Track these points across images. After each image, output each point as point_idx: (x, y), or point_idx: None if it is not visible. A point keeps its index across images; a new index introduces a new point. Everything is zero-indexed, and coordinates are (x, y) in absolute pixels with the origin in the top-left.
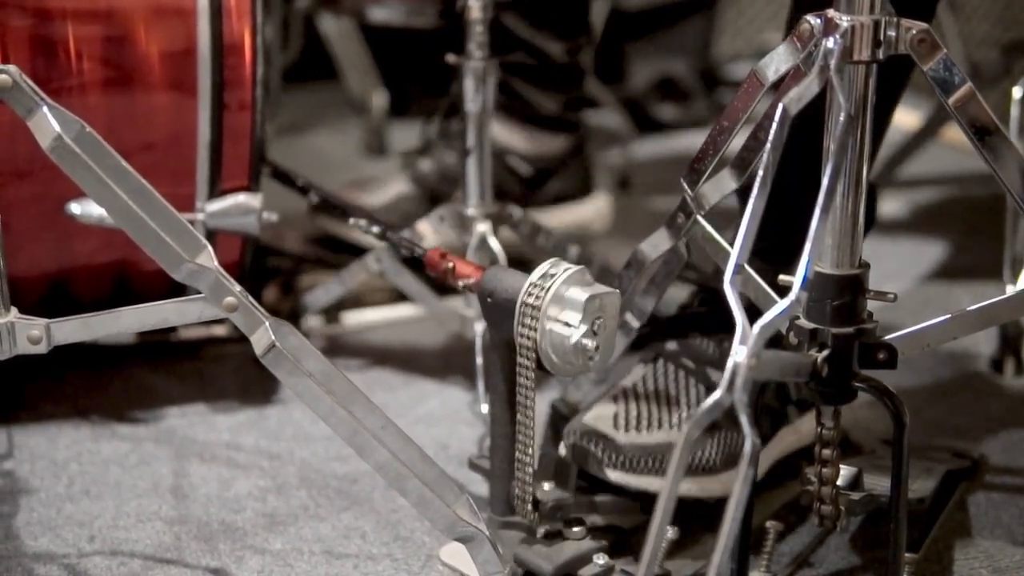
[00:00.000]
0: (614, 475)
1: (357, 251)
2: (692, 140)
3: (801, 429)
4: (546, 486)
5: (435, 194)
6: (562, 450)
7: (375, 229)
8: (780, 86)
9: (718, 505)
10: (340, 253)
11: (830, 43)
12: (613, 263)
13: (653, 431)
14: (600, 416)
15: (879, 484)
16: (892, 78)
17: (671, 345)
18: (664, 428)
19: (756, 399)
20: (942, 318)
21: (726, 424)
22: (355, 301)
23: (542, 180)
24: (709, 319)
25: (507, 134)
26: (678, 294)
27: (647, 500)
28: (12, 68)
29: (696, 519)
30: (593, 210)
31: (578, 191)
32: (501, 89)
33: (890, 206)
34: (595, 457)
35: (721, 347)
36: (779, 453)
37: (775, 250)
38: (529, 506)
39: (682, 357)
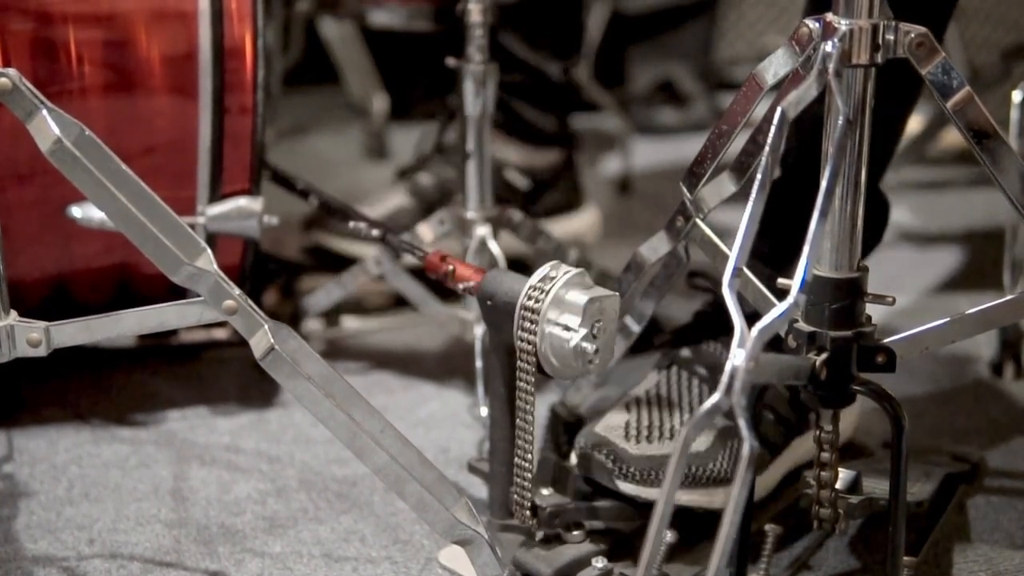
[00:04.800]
0: (625, 487)
1: (351, 263)
2: (692, 144)
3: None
4: (544, 491)
5: (433, 207)
6: (572, 460)
7: (375, 232)
8: (780, 89)
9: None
10: (333, 266)
11: (828, 47)
12: (612, 266)
13: (664, 441)
14: (611, 426)
15: (878, 487)
16: (903, 83)
17: (685, 352)
18: (676, 439)
19: (755, 402)
20: (941, 321)
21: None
22: (355, 304)
23: (538, 193)
24: (723, 326)
25: (503, 148)
26: (694, 303)
27: (648, 507)
28: (12, 71)
29: (695, 522)
30: (585, 222)
31: (570, 204)
32: (498, 107)
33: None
34: (605, 468)
35: None
36: (792, 464)
37: (777, 253)
38: (527, 512)
39: (695, 364)
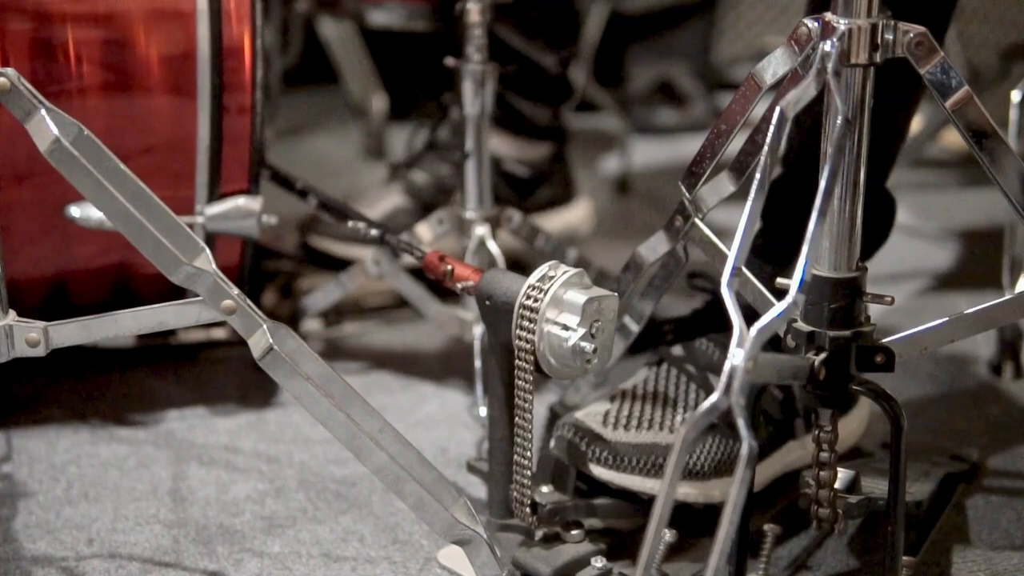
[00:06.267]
0: (598, 471)
1: (344, 265)
2: (691, 143)
3: (808, 445)
4: (544, 489)
5: (430, 206)
6: (551, 444)
7: (374, 232)
8: (778, 89)
9: (706, 511)
10: (330, 266)
11: (827, 46)
12: (611, 266)
13: (642, 431)
14: (591, 413)
15: (877, 487)
16: (904, 82)
17: (676, 350)
18: (654, 429)
19: (753, 402)
20: (940, 321)
21: (719, 431)
22: (354, 304)
23: (532, 186)
24: (717, 325)
25: (497, 142)
26: (692, 302)
27: (644, 503)
28: (10, 71)
29: (694, 522)
30: (579, 215)
31: (563, 197)
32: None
33: None
34: (580, 452)
35: (725, 353)
36: (782, 467)
37: (777, 252)
38: (527, 509)
39: (685, 362)
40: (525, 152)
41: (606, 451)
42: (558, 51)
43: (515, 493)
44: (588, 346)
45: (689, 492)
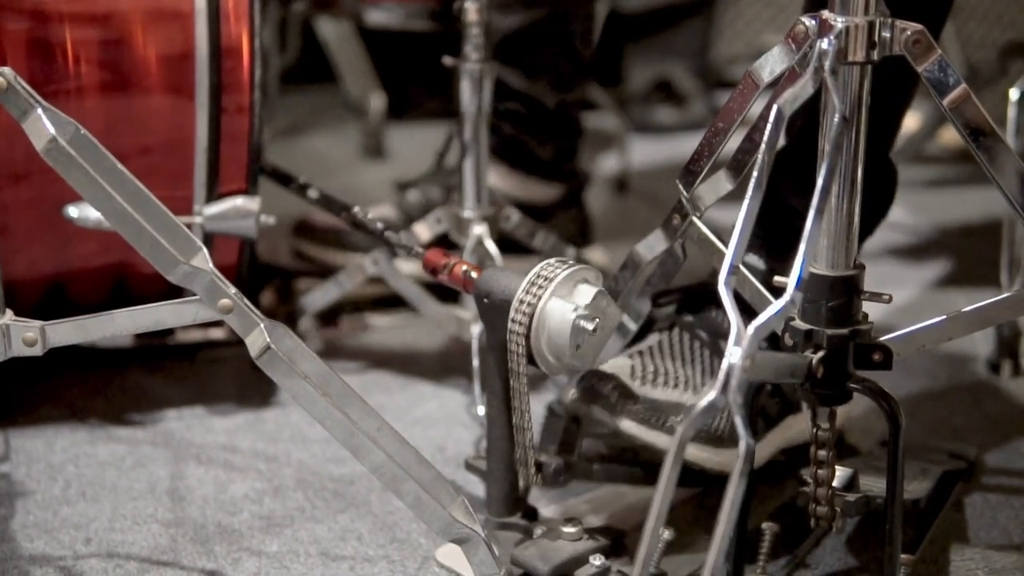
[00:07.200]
0: (626, 424)
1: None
2: (690, 142)
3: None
4: (549, 451)
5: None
6: (572, 394)
7: (377, 226)
8: (776, 87)
9: (718, 478)
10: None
11: (824, 44)
12: (610, 266)
13: (669, 389)
14: (618, 365)
15: (875, 485)
16: (899, 79)
17: (687, 316)
18: (680, 388)
19: (751, 400)
20: (938, 319)
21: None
22: (352, 304)
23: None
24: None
25: (496, 178)
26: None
27: (646, 467)
28: (7, 70)
29: (692, 522)
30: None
31: (570, 242)
32: (493, 132)
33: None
34: (609, 402)
35: None
36: (785, 441)
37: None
38: (532, 470)
39: (697, 328)
40: (527, 190)
41: (636, 404)
42: (561, 91)
43: (519, 455)
44: (588, 325)
45: (710, 457)
